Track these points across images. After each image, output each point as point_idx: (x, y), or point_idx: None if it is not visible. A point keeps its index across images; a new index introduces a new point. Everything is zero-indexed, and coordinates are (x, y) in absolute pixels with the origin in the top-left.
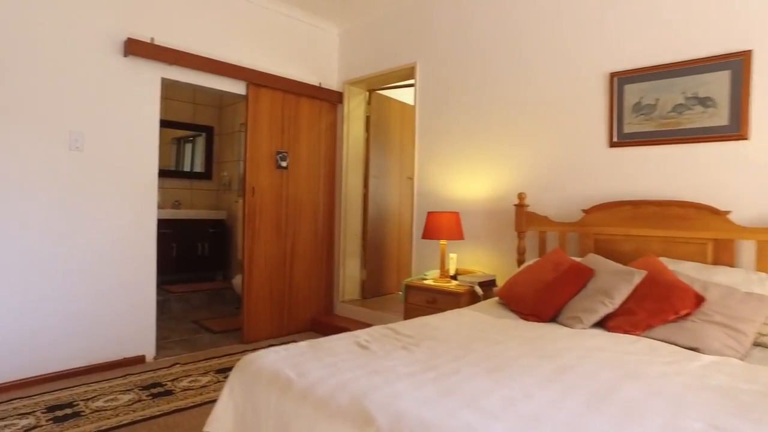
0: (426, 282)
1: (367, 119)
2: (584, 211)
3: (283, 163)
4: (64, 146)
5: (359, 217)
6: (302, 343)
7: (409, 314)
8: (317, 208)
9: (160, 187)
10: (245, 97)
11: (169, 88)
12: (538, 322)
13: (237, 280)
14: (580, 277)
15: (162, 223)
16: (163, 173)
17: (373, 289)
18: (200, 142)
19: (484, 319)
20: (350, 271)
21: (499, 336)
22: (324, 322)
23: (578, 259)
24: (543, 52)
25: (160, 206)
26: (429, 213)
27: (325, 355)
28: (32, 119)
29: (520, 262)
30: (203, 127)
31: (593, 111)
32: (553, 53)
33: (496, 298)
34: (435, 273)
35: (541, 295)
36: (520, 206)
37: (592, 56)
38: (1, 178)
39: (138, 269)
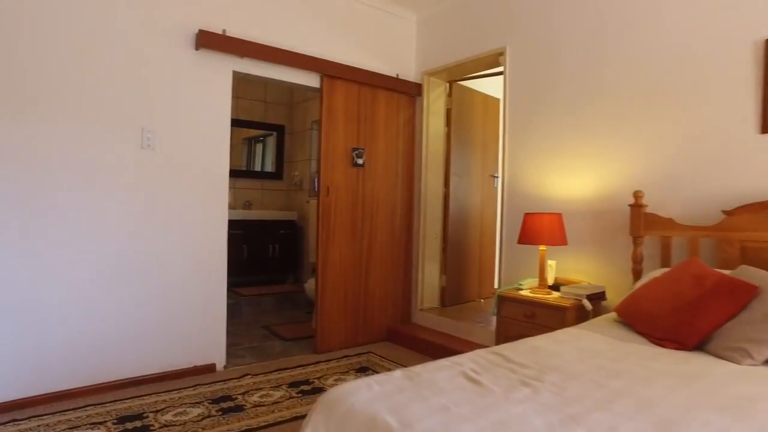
0: (523, 293)
1: (448, 113)
2: (725, 212)
3: (359, 161)
4: (136, 144)
5: (439, 218)
6: (397, 374)
7: (503, 329)
8: (395, 208)
9: (231, 188)
10: (318, 91)
11: (240, 87)
12: (679, 349)
13: (310, 285)
14: (738, 295)
15: (233, 224)
16: (234, 173)
17: (453, 297)
18: (271, 141)
19: (608, 344)
20: (429, 277)
21: (640, 370)
22: (401, 332)
23: (726, 272)
24: (667, 21)
25: (231, 207)
26: (526, 215)
27: (429, 393)
28: (104, 116)
29: (636, 272)
30: (274, 125)
31: (737, 89)
32: (682, 21)
33: (613, 316)
34: (531, 282)
35: (683, 317)
36: (637, 206)
37: (738, 20)
38: (75, 178)
39: (209, 272)
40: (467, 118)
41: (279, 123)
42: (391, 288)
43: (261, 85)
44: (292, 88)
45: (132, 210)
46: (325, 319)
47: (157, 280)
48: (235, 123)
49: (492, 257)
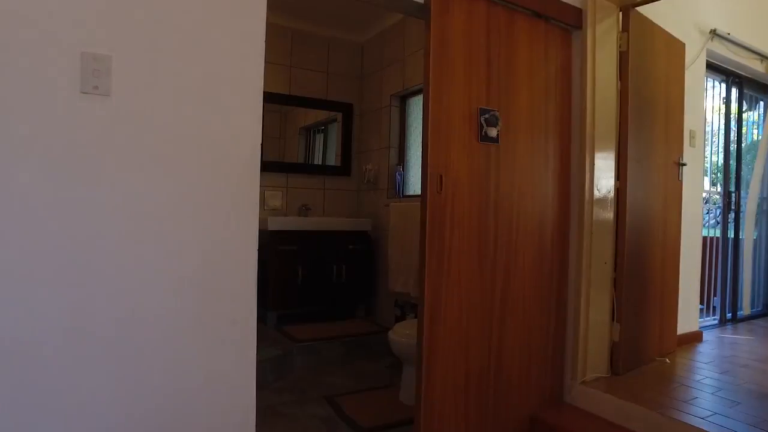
0: None
1: (621, 58)
2: None
3: (492, 131)
4: (70, 84)
5: (609, 230)
6: None
7: None
8: (544, 214)
9: (281, 187)
10: (423, 11)
11: (294, 50)
12: None
13: (397, 334)
14: None
15: (283, 237)
16: (284, 167)
17: (630, 357)
18: (334, 129)
19: None
20: (594, 328)
21: None
22: (552, 426)
23: None
24: None
25: (281, 212)
26: None
27: None
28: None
29: None
30: (339, 104)
31: None
32: None
33: None
34: None
35: None
36: None
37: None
38: None
39: (220, 326)
40: (649, 68)
41: (345, 101)
42: (536, 348)
43: (323, 47)
44: (363, 51)
45: (48, 229)
46: (431, 401)
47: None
48: (289, 99)
49: (674, 288)
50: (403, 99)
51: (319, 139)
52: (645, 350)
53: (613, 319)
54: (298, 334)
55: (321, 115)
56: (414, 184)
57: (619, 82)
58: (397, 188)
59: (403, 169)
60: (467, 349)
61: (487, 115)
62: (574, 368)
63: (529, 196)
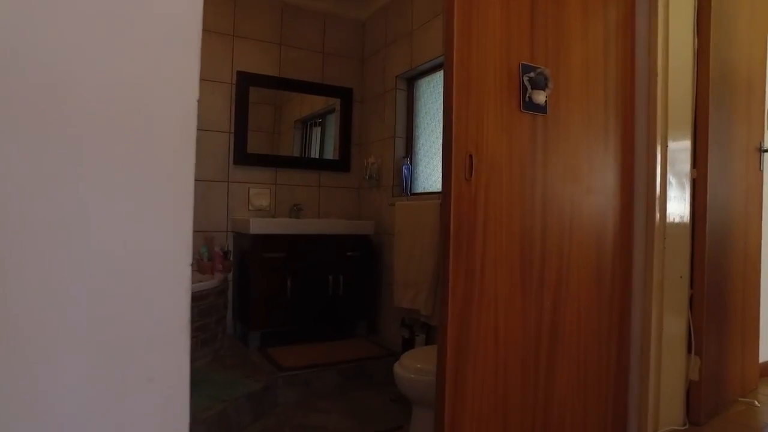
0: None
1: (699, 7)
2: None
3: (539, 96)
4: None
5: (685, 234)
6: None
7: None
8: (604, 213)
9: (271, 184)
10: None
11: (285, 26)
12: None
13: (404, 368)
14: None
15: (270, 242)
16: (274, 160)
17: (712, 398)
18: (332, 121)
19: None
20: (667, 362)
21: None
22: None
23: None
24: None
25: (269, 213)
26: None
27: None
28: None
29: None
30: (336, 89)
31: None
32: None
33: None
34: None
35: None
36: None
37: None
38: None
39: (124, 388)
40: (729, 25)
41: (344, 85)
42: (594, 393)
43: (317, 23)
44: (364, 27)
45: None
46: None
47: None
48: (276, 83)
49: (755, 306)
50: (411, 81)
51: (316, 132)
52: (727, 389)
53: (689, 351)
54: (284, 359)
55: (317, 104)
56: (424, 180)
57: (696, 39)
58: (404, 184)
59: (411, 163)
60: (506, 399)
61: (532, 74)
62: (642, 419)
63: (586, 187)
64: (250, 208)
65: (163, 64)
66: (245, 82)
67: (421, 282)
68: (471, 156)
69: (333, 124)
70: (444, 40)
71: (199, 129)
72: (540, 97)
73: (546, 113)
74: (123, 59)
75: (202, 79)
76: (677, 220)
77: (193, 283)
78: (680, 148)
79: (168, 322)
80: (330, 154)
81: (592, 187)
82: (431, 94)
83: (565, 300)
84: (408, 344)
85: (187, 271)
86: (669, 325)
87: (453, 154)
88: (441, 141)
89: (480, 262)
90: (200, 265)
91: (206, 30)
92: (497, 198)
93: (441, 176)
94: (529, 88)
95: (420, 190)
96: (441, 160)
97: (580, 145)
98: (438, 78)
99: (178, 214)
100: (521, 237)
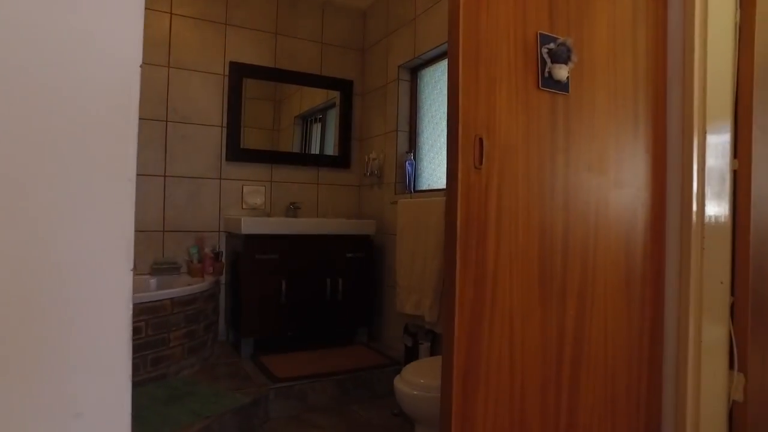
0: None
1: None
2: None
3: (560, 72)
4: None
5: (725, 235)
6: None
7: None
8: (633, 209)
9: (266, 181)
10: None
11: (281, 16)
12: None
13: (406, 384)
14: None
15: (265, 243)
16: (269, 156)
17: (760, 421)
18: (333, 117)
19: None
20: (707, 380)
21: None
22: None
23: None
24: None
25: (264, 212)
26: None
27: None
28: None
29: None
30: (336, 81)
31: None
32: None
33: None
34: None
35: None
36: None
37: None
38: None
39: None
40: None
41: (344, 77)
42: (624, 414)
43: (316, 12)
44: (365, 16)
45: None
46: None
47: None
48: (271, 75)
49: None
50: (414, 71)
51: (316, 128)
52: None
53: (731, 367)
54: (278, 368)
55: (317, 99)
56: (428, 176)
57: (739, 11)
58: (407, 181)
59: (414, 158)
60: (523, 425)
61: (552, 46)
62: None
63: (613, 178)
64: (244, 206)
65: (92, 13)
66: (238, 73)
67: (425, 286)
68: (481, 140)
69: (333, 119)
70: (450, 4)
71: (189, 123)
72: (561, 72)
73: (568, 92)
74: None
75: (192, 70)
76: (717, 217)
77: (180, 286)
78: (720, 135)
79: (101, 341)
80: (330, 150)
81: (620, 180)
82: (436, 85)
83: (590, 309)
84: (411, 353)
85: (126, 279)
86: (708, 337)
87: (460, 138)
88: (447, 135)
89: (492, 266)
90: (190, 268)
91: (197, 18)
92: (512, 189)
93: (446, 166)
94: (548, 61)
95: (424, 187)
96: (446, 146)
97: (606, 129)
98: (443, 67)
99: (113, 208)
100: (540, 235)
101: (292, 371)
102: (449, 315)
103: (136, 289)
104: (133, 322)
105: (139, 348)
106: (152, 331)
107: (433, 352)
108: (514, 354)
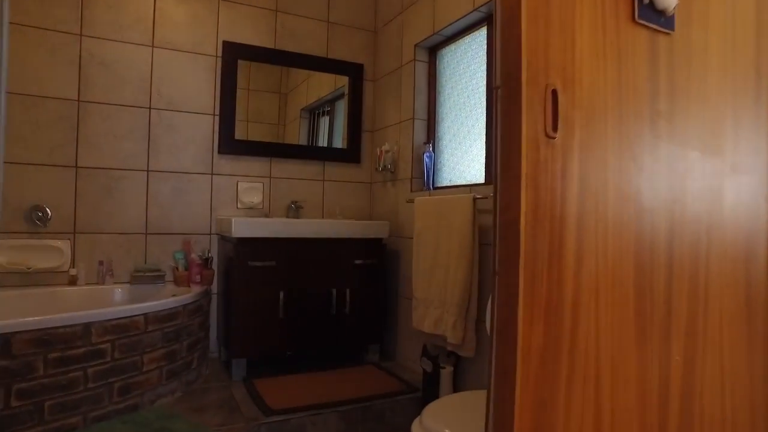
0: None
1: None
2: None
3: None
4: None
5: None
6: None
7: None
8: (756, 203)
9: (264, 177)
10: None
11: None
12: None
13: (430, 423)
14: None
15: (257, 248)
16: (267, 149)
17: None
18: (342, 108)
19: None
20: None
21: None
22: None
23: None
24: None
25: (263, 212)
26: None
27: None
28: None
29: None
30: (345, 65)
31: None
32: None
33: None
34: None
35: None
36: None
37: None
38: None
39: None
40: None
41: (353, 61)
42: None
43: None
44: None
45: None
46: None
47: None
48: (271, 57)
49: None
50: (433, 51)
51: (324, 122)
52: None
53: None
54: (273, 396)
55: (325, 88)
56: (450, 171)
57: None
58: (425, 176)
59: (433, 149)
60: None
61: None
62: None
63: (730, 161)
64: (239, 205)
65: None
66: (233, 54)
67: (448, 300)
68: (555, 93)
69: (342, 111)
70: None
71: (176, 111)
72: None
73: (672, 30)
74: None
75: (180, 51)
76: None
77: (161, 299)
78: None
79: None
80: (338, 143)
81: (738, 163)
82: (458, 65)
83: (701, 351)
84: (431, 381)
85: None
86: None
87: (524, 89)
88: (470, 123)
89: (571, 291)
90: (175, 276)
91: None
92: (599, 173)
93: (494, 138)
94: None
95: (445, 183)
96: (495, 105)
97: (720, 89)
98: (466, 45)
99: None
100: (637, 244)
101: (290, 400)
102: (504, 368)
103: (101, 303)
104: (96, 344)
105: (102, 375)
106: (120, 354)
107: (456, 379)
108: (602, 422)
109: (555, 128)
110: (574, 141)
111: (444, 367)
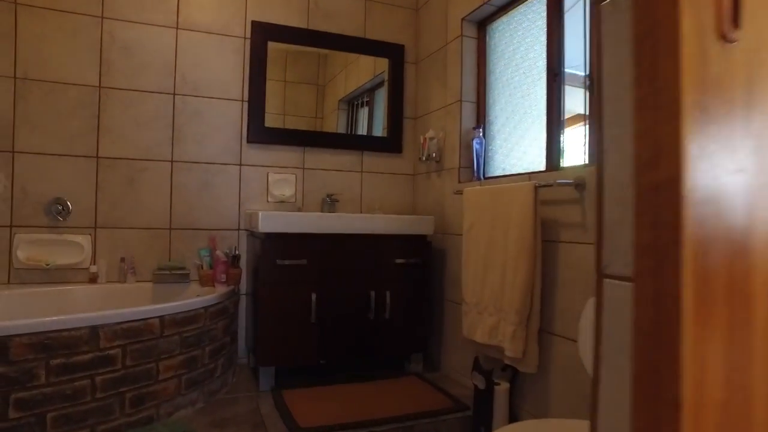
0: None
1: None
2: None
3: None
4: None
5: None
6: None
7: None
8: None
9: (298, 168)
10: None
11: None
12: None
13: None
14: None
15: (286, 245)
16: (300, 138)
17: None
18: (381, 97)
19: None
20: None
21: None
22: None
23: None
24: None
25: (295, 206)
26: None
27: None
28: None
29: None
30: (385, 46)
31: None
32: None
33: None
34: None
35: None
36: None
37: None
38: None
39: None
40: None
41: (394, 41)
42: None
43: None
44: None
45: None
46: None
47: None
48: (304, 38)
49: None
50: (482, 25)
51: (363, 113)
52: None
53: None
54: (303, 411)
55: (363, 77)
56: (503, 158)
57: None
58: (475, 166)
59: (484, 135)
60: None
61: None
62: None
63: None
64: (270, 199)
65: None
66: (262, 34)
67: (505, 306)
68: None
69: (382, 100)
70: None
71: (202, 96)
72: None
73: None
74: None
75: (206, 32)
76: None
77: (185, 299)
78: None
79: None
80: (378, 129)
81: None
82: (511, 39)
83: None
84: (483, 399)
85: None
86: None
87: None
88: (528, 104)
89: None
90: (199, 274)
91: None
92: None
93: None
94: None
95: (498, 172)
96: None
97: None
98: (521, 14)
99: None
100: None
101: (320, 417)
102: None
103: (119, 303)
104: (105, 349)
105: (112, 384)
106: (132, 361)
107: (512, 398)
108: None
109: (735, 21)
110: (764, 45)
111: (499, 384)
